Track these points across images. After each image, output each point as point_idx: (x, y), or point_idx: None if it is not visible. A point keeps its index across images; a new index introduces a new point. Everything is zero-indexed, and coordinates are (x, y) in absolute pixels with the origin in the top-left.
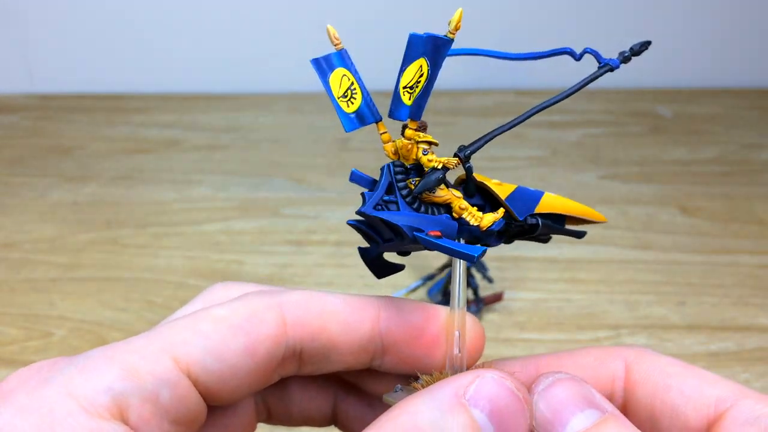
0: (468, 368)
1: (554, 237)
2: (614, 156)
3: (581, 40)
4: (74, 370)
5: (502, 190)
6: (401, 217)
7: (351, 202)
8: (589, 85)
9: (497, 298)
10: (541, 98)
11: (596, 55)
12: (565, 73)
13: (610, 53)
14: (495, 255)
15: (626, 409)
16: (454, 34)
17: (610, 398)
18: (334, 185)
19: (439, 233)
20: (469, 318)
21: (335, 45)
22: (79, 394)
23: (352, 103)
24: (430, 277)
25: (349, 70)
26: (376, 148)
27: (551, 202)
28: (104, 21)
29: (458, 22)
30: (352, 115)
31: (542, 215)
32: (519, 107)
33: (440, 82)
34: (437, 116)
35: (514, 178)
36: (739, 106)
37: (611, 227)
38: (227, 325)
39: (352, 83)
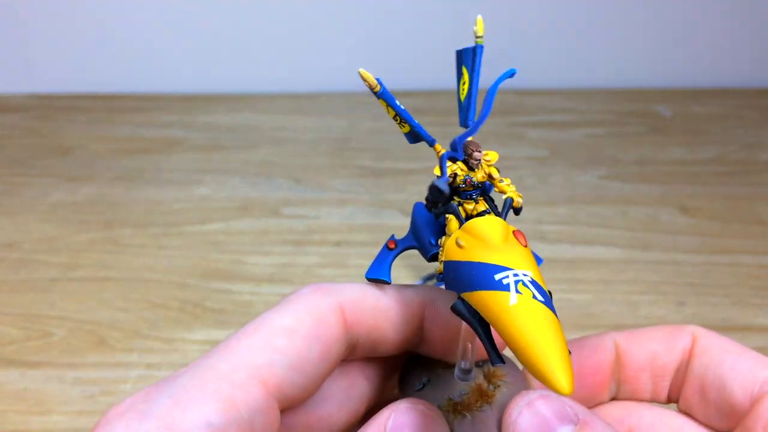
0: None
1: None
2: (614, 156)
3: (580, 41)
4: (169, 401)
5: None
6: (422, 223)
7: (351, 201)
8: (589, 85)
9: None
10: (541, 98)
11: None
12: (564, 72)
13: (610, 53)
14: None
15: (684, 378)
16: (482, 39)
17: (682, 368)
18: (334, 185)
19: (394, 245)
20: None
21: (374, 90)
22: (178, 428)
23: (404, 126)
24: (430, 277)
25: (391, 105)
26: (375, 148)
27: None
28: (104, 21)
29: (481, 29)
30: (408, 134)
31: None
32: (518, 107)
33: (440, 82)
34: (437, 116)
35: (514, 178)
36: (739, 106)
37: (611, 227)
38: (300, 336)
39: (395, 115)
